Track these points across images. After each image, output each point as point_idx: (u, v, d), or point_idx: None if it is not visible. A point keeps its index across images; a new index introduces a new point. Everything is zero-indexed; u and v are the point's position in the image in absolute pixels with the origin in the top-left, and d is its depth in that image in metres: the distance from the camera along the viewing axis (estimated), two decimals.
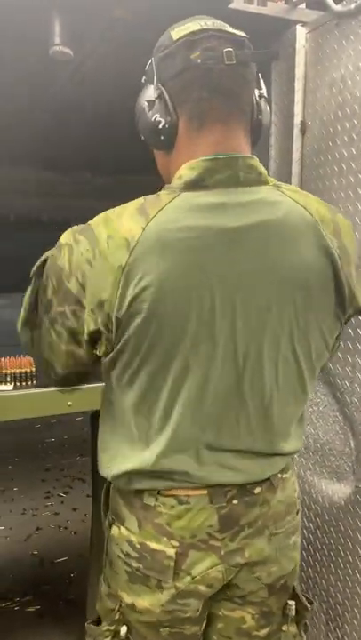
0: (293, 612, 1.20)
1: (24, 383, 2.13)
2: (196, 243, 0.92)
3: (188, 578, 1.09)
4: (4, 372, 2.11)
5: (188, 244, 0.92)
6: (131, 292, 0.92)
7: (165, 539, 1.08)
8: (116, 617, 1.15)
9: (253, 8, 1.60)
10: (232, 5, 1.55)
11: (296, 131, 1.73)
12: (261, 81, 1.03)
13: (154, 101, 1.00)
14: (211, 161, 0.95)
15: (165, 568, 1.08)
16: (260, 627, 1.18)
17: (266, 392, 1.05)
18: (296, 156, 1.74)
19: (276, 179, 1.88)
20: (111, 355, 1.00)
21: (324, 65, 1.64)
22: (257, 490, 1.11)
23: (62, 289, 1.01)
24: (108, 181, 3.79)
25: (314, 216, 0.97)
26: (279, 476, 1.15)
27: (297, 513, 1.20)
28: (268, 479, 1.13)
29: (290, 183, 1.74)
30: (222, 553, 1.09)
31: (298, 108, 1.72)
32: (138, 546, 1.09)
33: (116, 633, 1.15)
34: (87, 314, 0.98)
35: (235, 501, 1.09)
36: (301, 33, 1.70)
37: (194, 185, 0.95)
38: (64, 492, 4.03)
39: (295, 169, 1.75)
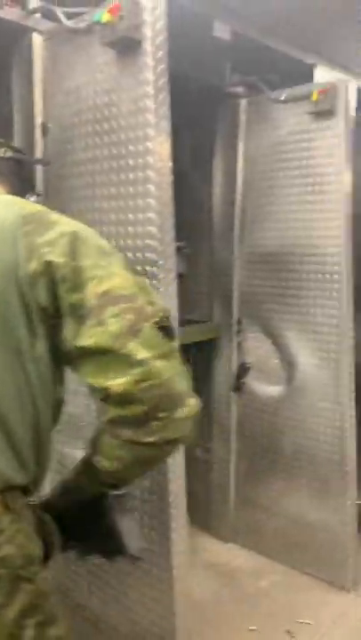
0: None
1: None
2: None
3: None
4: None
5: None
6: None
7: None
8: None
9: None
10: None
11: (38, 132, 1.83)
12: None
13: None
14: None
15: None
16: None
17: None
18: (39, 156, 1.84)
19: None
20: None
21: (60, 73, 1.76)
22: None
23: None
24: None
25: None
26: None
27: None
28: None
29: (35, 183, 1.84)
30: None
31: (38, 110, 1.82)
32: None
33: None
34: None
35: None
36: (38, 40, 1.79)
37: None
38: None
39: (39, 168, 1.85)
